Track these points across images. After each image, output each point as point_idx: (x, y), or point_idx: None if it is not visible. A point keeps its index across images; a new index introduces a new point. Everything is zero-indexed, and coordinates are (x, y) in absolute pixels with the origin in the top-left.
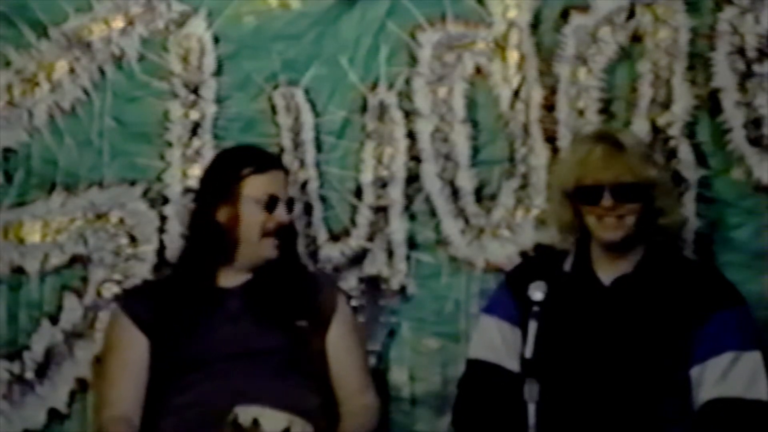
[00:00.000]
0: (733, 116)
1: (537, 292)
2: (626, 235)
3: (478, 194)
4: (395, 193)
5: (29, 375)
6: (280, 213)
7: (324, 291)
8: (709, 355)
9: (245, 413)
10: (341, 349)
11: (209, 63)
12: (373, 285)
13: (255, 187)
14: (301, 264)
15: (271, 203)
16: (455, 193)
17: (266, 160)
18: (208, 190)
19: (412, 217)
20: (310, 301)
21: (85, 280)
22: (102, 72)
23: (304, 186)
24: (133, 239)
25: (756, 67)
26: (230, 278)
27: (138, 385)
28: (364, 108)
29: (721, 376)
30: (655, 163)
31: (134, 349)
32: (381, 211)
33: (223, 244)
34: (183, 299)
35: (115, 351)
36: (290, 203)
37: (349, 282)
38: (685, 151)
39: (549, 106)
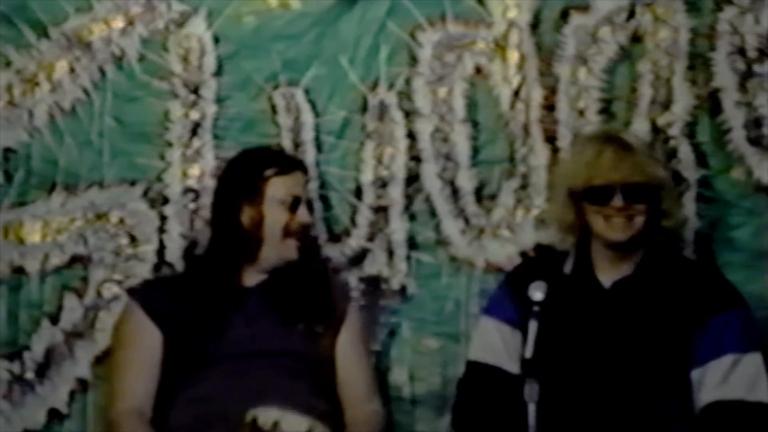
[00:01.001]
0: (733, 116)
1: (537, 292)
2: (633, 235)
3: (478, 194)
4: (395, 193)
5: (29, 375)
6: (303, 214)
7: (337, 296)
8: (709, 357)
9: (265, 415)
10: (350, 356)
11: (209, 63)
12: (373, 285)
13: (279, 188)
14: (320, 267)
15: (294, 204)
16: (455, 193)
17: (289, 162)
18: (231, 190)
19: (412, 217)
20: (325, 306)
21: (85, 280)
22: (102, 72)
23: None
24: (133, 239)
25: (756, 67)
26: (251, 278)
27: (150, 378)
28: (364, 108)
29: (722, 379)
30: (661, 163)
31: (147, 342)
32: (381, 211)
33: (246, 244)
34: (204, 296)
35: (127, 343)
36: (310, 205)
37: (349, 282)
38: (685, 151)
39: (549, 106)
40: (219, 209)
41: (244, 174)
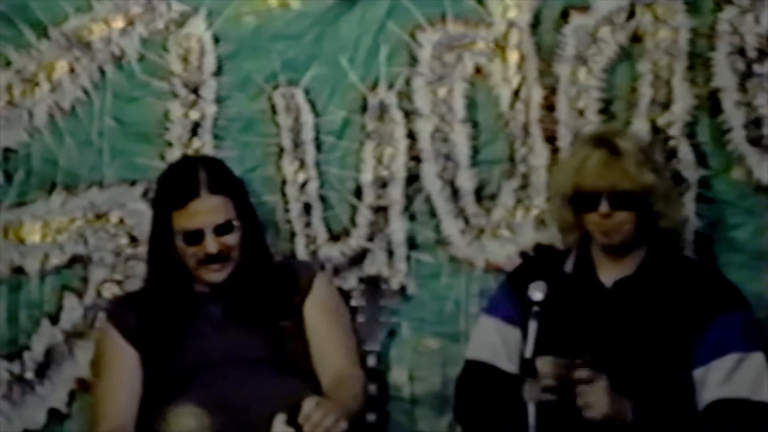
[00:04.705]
0: (733, 116)
1: (537, 293)
2: (624, 240)
3: (478, 194)
4: (395, 193)
5: (29, 375)
6: (208, 244)
7: (298, 281)
8: (713, 356)
9: None
10: (316, 323)
11: (209, 63)
12: (373, 285)
13: (177, 222)
14: (271, 264)
15: (190, 238)
16: (455, 193)
17: (184, 193)
18: (157, 223)
19: (412, 217)
20: (287, 297)
21: (85, 280)
22: (102, 72)
23: (304, 186)
24: (133, 239)
25: (756, 67)
26: (202, 286)
27: (131, 398)
28: (364, 108)
29: (726, 377)
30: (652, 167)
31: (125, 363)
32: (381, 211)
33: (184, 268)
34: (166, 306)
35: (106, 366)
36: (227, 226)
37: (349, 282)
38: (685, 151)
39: (549, 106)
40: (154, 238)
41: (156, 211)
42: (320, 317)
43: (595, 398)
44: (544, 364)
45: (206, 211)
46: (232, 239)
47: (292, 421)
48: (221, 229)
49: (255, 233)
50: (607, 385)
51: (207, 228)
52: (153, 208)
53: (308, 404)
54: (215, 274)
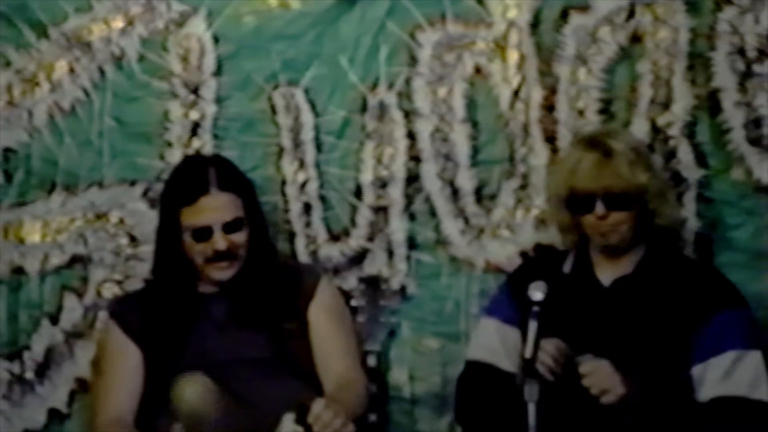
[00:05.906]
0: (733, 116)
1: (537, 293)
2: (621, 240)
3: (478, 194)
4: (395, 193)
5: (29, 375)
6: (216, 240)
7: (303, 284)
8: (710, 354)
9: None
10: (320, 327)
11: (209, 63)
12: (373, 285)
13: (186, 219)
14: (276, 265)
15: (199, 234)
16: (455, 193)
17: (194, 189)
18: (162, 219)
19: (412, 217)
20: (291, 299)
21: (85, 280)
22: (102, 72)
23: (304, 186)
24: (133, 239)
25: (756, 67)
26: (207, 286)
27: (132, 394)
28: (364, 108)
29: (724, 375)
30: (645, 166)
31: (127, 361)
32: (381, 211)
33: (187, 268)
34: (170, 307)
35: (108, 363)
36: (236, 223)
37: (349, 282)
38: (685, 151)
39: (549, 106)
40: (161, 237)
41: (164, 207)
42: (324, 321)
43: (609, 382)
44: (548, 344)
45: (215, 207)
46: (240, 237)
47: (301, 420)
48: (230, 227)
49: (262, 232)
50: (612, 366)
51: (216, 225)
52: (161, 204)
53: (318, 404)
54: (222, 272)
